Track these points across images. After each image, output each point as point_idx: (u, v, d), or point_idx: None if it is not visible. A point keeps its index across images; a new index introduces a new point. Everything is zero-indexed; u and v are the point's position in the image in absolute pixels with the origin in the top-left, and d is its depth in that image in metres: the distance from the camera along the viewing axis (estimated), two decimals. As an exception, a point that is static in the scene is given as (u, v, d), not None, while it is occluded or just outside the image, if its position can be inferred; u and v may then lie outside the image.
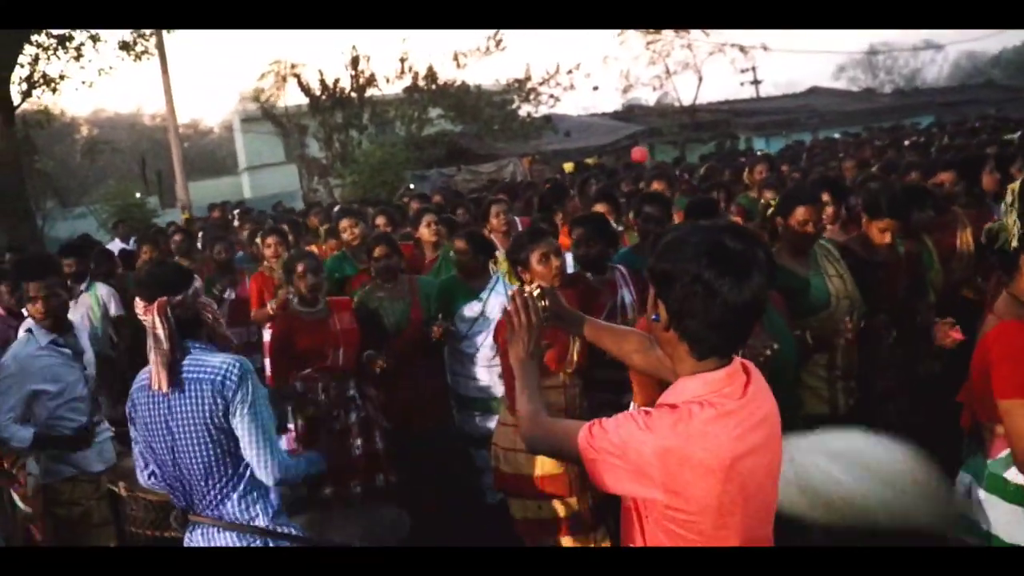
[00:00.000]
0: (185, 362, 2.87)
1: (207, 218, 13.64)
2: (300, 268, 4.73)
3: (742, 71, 33.59)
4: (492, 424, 4.45)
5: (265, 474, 2.89)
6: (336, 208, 9.32)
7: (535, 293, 2.40)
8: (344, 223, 6.36)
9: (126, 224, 12.58)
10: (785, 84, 40.11)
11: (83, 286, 6.72)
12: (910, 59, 64.40)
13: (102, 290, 6.78)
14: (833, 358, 4.02)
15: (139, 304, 2.91)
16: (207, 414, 2.81)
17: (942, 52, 62.73)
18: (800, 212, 4.09)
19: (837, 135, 22.23)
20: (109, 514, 4.09)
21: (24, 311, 4.41)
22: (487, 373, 4.99)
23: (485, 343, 4.97)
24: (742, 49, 28.55)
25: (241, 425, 2.85)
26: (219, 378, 2.83)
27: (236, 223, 11.36)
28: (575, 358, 3.87)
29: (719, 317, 1.72)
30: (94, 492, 4.09)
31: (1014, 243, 2.54)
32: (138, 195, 17.96)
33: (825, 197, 4.94)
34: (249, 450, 2.86)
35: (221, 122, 54.33)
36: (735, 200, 7.38)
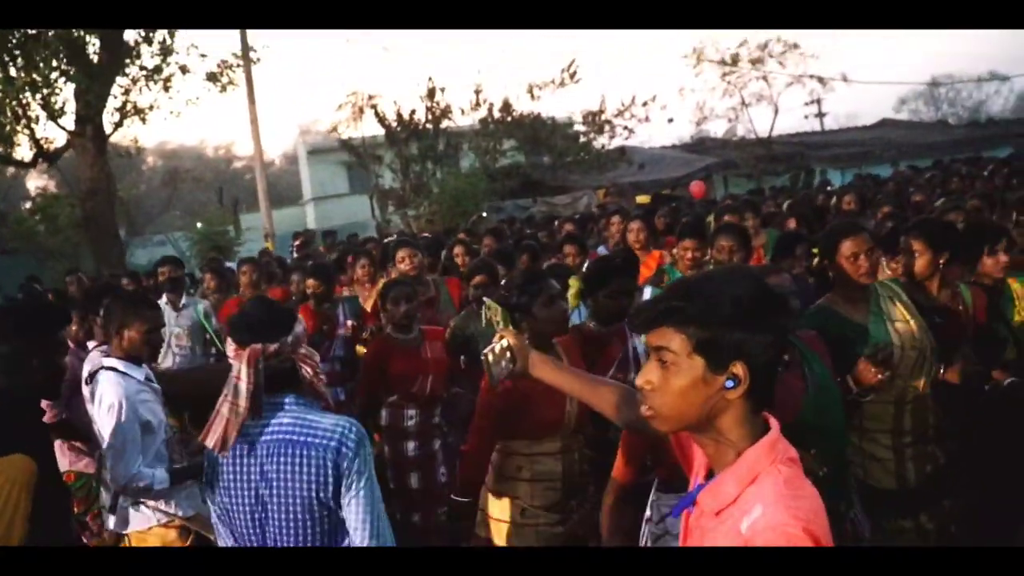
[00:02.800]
0: (286, 420, 2.46)
1: (295, 246, 13.69)
2: (395, 295, 4.79)
3: (806, 104, 32.98)
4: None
5: (384, 540, 2.51)
6: (393, 238, 9.16)
7: (497, 349, 2.26)
8: (402, 253, 6.21)
9: (218, 250, 12.69)
10: (844, 117, 39.44)
11: (183, 301, 6.78)
12: (974, 91, 63.03)
13: (202, 306, 6.81)
14: (900, 419, 3.50)
15: (230, 346, 2.54)
16: (313, 487, 2.38)
17: (1007, 83, 61.34)
18: (847, 246, 3.59)
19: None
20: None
21: (93, 345, 4.24)
22: None
23: None
24: (821, 80, 28.00)
25: (355, 502, 2.42)
26: (333, 443, 2.40)
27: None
28: (572, 420, 3.55)
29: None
30: (183, 540, 3.60)
31: None
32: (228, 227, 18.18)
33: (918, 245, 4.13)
34: (359, 531, 2.43)
35: (282, 154, 55.32)
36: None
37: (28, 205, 20.46)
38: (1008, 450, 3.78)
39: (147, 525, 3.60)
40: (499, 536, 3.57)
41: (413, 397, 4.77)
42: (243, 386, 2.39)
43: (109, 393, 3.50)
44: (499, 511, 3.58)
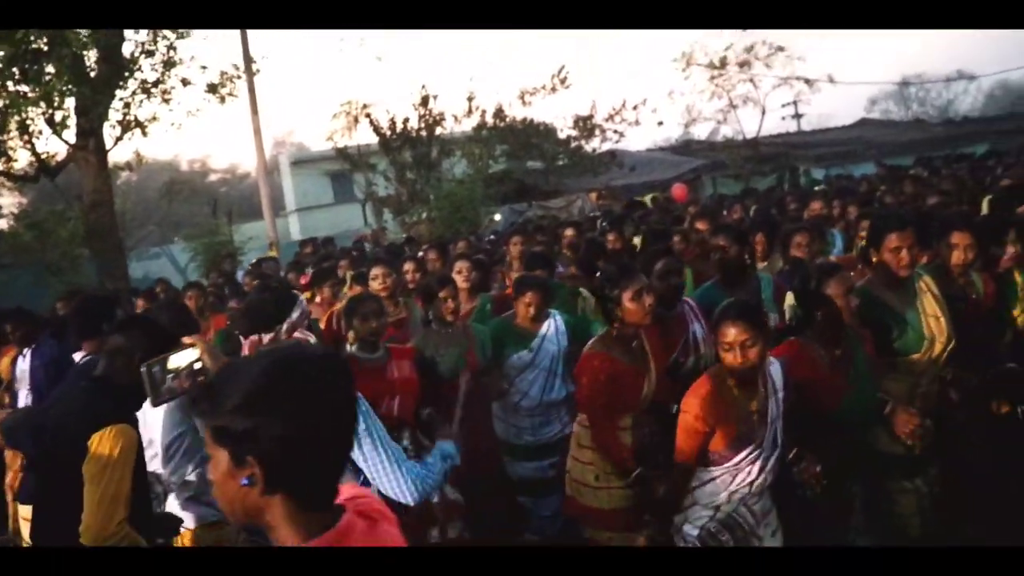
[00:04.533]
0: None
1: (300, 253, 13.77)
2: (363, 312, 4.31)
3: (783, 105, 33.43)
4: (538, 470, 4.62)
5: (406, 495, 2.75)
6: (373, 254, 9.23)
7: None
8: (376, 271, 5.90)
9: (232, 259, 12.75)
10: (818, 117, 40.02)
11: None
12: (943, 90, 64.13)
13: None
14: (913, 397, 3.83)
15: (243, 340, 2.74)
16: None
17: (975, 82, 62.42)
18: (892, 240, 3.87)
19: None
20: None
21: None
22: (530, 421, 4.94)
23: (530, 392, 4.91)
24: (807, 81, 28.41)
25: (366, 454, 2.69)
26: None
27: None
28: (647, 402, 3.93)
29: None
30: (236, 538, 3.66)
31: None
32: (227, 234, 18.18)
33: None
34: (382, 477, 2.68)
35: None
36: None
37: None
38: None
39: (208, 520, 3.74)
40: (579, 496, 4.01)
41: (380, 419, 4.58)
42: None
43: None
44: (579, 474, 4.02)
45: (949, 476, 3.93)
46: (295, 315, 2.77)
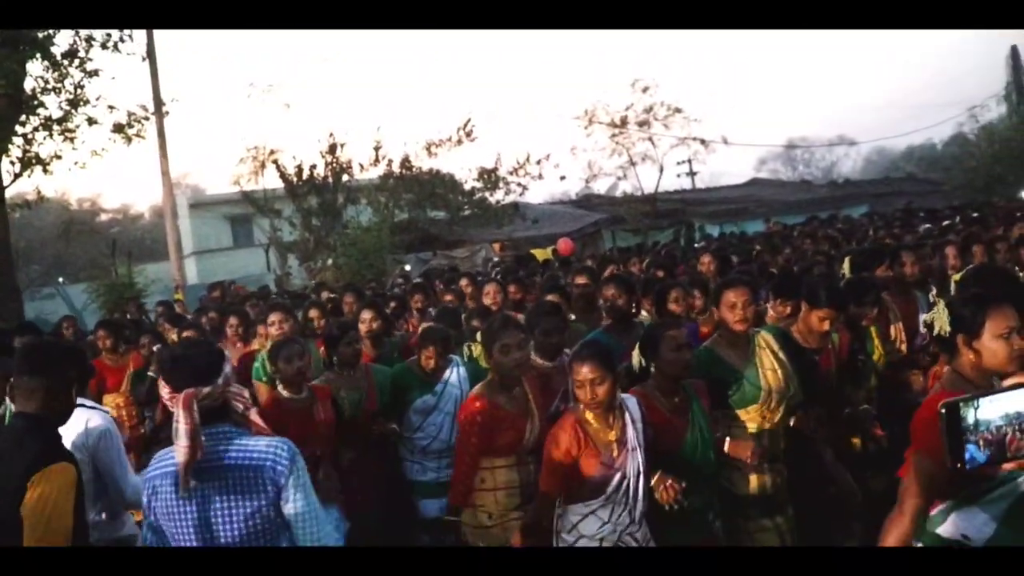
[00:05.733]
0: (223, 447, 2.71)
1: (206, 297, 13.72)
2: (287, 353, 4.63)
3: (678, 163, 34.82)
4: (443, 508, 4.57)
5: (331, 539, 2.86)
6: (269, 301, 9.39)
7: None
8: (273, 317, 6.05)
9: (135, 301, 12.62)
10: (709, 176, 42.04)
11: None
12: (826, 153, 68.22)
13: None
14: (760, 443, 4.09)
15: (164, 388, 2.75)
16: (256, 504, 2.67)
17: (855, 147, 66.57)
18: (728, 296, 4.20)
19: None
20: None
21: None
22: (437, 462, 5.07)
23: (439, 436, 5.05)
24: (703, 142, 29.79)
25: (295, 508, 2.71)
26: (269, 463, 2.69)
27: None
28: (531, 442, 4.20)
29: None
30: None
31: (947, 328, 2.94)
32: (120, 273, 17.81)
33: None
34: (302, 532, 2.72)
35: (151, 207, 54.27)
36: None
37: None
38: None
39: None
40: (474, 539, 4.23)
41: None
42: (182, 428, 2.60)
43: (99, 422, 3.82)
44: (470, 518, 4.25)
45: (805, 511, 4.30)
46: (227, 368, 2.79)
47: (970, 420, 2.31)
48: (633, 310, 5.61)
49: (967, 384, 2.85)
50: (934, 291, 5.89)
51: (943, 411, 2.32)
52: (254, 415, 2.83)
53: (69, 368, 3.17)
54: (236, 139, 54.99)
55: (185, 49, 49.55)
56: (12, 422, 3.10)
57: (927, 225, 13.95)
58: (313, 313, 6.79)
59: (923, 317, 3.24)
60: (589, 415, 3.69)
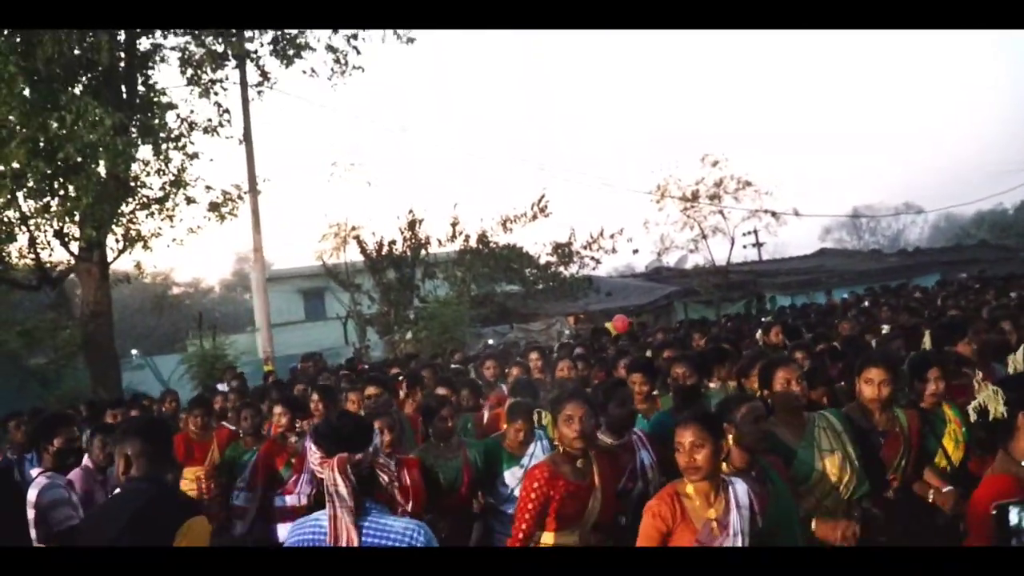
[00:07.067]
0: (364, 524, 2.77)
1: (298, 368, 14.10)
2: (379, 424, 4.83)
3: (744, 234, 34.75)
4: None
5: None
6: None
7: None
8: (370, 390, 6.44)
9: (232, 371, 13.08)
10: (774, 247, 41.77)
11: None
12: (892, 221, 67.42)
13: None
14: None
15: (315, 455, 2.85)
16: None
17: (923, 215, 65.64)
18: (780, 376, 4.26)
19: (846, 294, 22.93)
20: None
21: None
22: None
23: None
24: (774, 214, 29.85)
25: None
26: (404, 545, 2.74)
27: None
28: (592, 517, 4.13)
29: None
30: None
31: (1002, 410, 2.89)
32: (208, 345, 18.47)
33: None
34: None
35: (220, 281, 56.46)
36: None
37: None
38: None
39: None
40: None
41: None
42: (344, 490, 2.73)
43: None
44: None
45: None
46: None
47: (1017, 521, 2.32)
48: (702, 386, 5.61)
49: (1020, 467, 2.82)
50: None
51: (994, 512, 2.35)
52: (397, 491, 2.94)
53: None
54: (315, 215, 56.64)
55: (275, 130, 51.73)
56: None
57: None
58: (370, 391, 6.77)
59: (972, 404, 3.16)
60: (689, 488, 3.52)
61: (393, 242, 23.11)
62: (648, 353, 8.02)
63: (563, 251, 25.49)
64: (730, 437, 3.70)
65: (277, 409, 6.72)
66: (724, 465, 3.65)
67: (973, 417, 3.04)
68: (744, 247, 37.77)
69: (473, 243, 23.99)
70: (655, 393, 5.81)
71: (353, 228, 22.84)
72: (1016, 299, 11.88)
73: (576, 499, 4.08)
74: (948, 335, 5.93)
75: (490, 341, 17.62)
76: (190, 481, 7.36)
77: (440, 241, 23.86)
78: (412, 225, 23.02)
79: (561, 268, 25.66)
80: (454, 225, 23.92)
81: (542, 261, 25.44)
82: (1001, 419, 2.89)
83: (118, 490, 3.34)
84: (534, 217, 24.49)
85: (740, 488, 3.55)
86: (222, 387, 11.04)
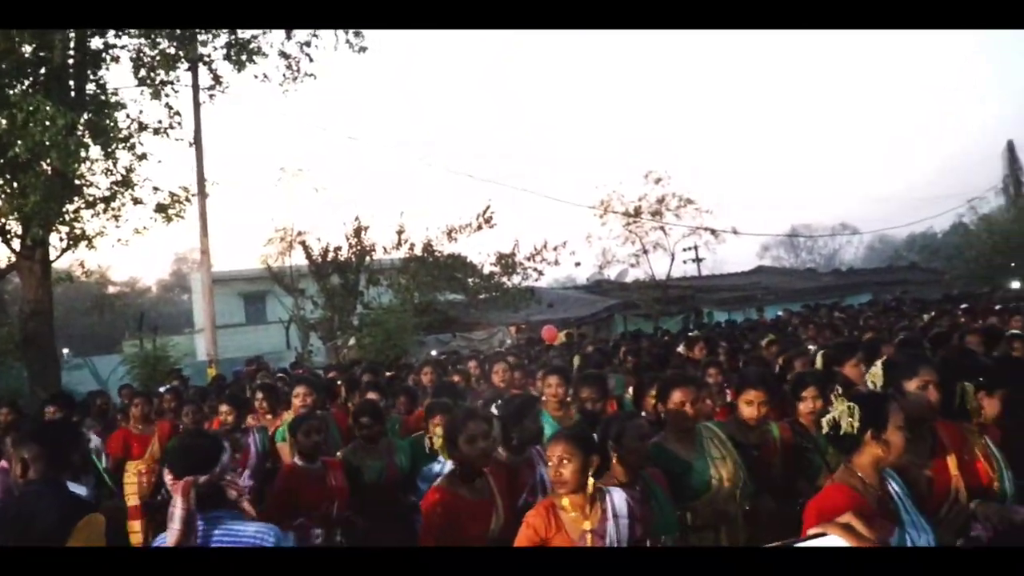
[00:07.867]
0: (216, 532, 2.96)
1: (243, 372, 14.25)
2: (306, 427, 5.27)
3: (684, 250, 35.47)
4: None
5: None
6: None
7: None
8: (298, 390, 6.48)
9: (174, 373, 13.18)
10: (712, 263, 42.68)
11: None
12: (828, 241, 69.27)
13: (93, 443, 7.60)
14: (719, 538, 4.21)
15: (167, 474, 3.01)
16: None
17: (858, 236, 67.51)
18: (677, 395, 4.45)
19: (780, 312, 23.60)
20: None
21: None
22: None
23: None
24: (713, 232, 30.66)
25: None
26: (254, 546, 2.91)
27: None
28: (496, 534, 4.09)
29: None
30: None
31: (856, 424, 3.10)
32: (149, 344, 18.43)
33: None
34: None
35: (158, 282, 56.28)
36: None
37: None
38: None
39: None
40: None
41: (320, 521, 5.12)
42: (178, 512, 2.91)
43: None
44: None
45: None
46: (224, 459, 3.06)
47: None
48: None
49: (858, 480, 3.09)
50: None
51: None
52: (246, 504, 3.12)
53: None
54: (261, 219, 56.22)
55: (225, 134, 51.42)
56: None
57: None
58: (300, 391, 6.78)
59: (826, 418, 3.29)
60: (565, 501, 3.59)
61: (339, 248, 23.29)
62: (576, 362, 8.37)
63: (507, 262, 25.78)
64: (613, 455, 3.95)
65: (224, 407, 6.92)
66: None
67: (825, 428, 3.27)
68: (684, 262, 38.51)
69: (418, 251, 24.18)
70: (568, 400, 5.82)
71: (299, 233, 22.97)
72: (926, 323, 12.45)
73: (476, 518, 4.07)
74: (838, 356, 6.09)
75: (433, 352, 17.91)
76: (132, 475, 7.56)
77: (385, 248, 24.07)
78: (358, 232, 23.19)
79: (504, 278, 25.91)
80: (400, 233, 24.09)
81: (486, 271, 25.68)
82: (850, 432, 3.13)
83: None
84: (479, 227, 24.71)
85: (618, 497, 3.67)
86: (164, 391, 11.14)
